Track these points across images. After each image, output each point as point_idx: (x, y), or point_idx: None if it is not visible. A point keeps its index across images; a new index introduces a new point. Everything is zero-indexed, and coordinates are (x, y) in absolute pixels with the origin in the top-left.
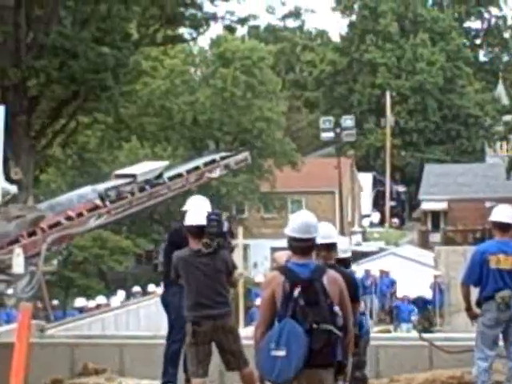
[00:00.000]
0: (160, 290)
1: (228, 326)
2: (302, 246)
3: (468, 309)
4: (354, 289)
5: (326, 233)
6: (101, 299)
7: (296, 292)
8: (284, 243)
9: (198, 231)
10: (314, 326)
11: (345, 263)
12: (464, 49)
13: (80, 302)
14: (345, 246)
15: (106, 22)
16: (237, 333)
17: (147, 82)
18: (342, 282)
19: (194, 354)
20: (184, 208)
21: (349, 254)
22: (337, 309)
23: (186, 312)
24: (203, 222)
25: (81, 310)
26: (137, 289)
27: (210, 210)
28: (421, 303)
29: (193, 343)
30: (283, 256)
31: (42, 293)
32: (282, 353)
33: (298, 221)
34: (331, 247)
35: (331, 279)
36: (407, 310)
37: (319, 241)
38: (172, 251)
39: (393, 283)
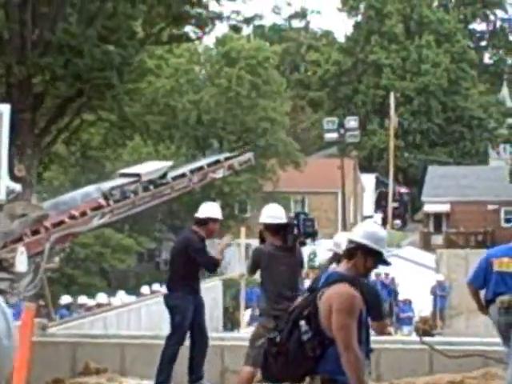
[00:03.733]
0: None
1: None
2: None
3: (480, 308)
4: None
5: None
6: (102, 298)
7: None
8: None
9: (278, 229)
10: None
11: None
12: (469, 51)
13: (66, 299)
14: (339, 240)
15: (111, 20)
16: None
17: (152, 81)
18: (335, 300)
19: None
20: (200, 215)
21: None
22: (302, 323)
23: (265, 305)
24: (283, 220)
25: (68, 307)
26: (145, 289)
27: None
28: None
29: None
30: None
31: (43, 291)
32: None
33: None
34: None
35: (327, 294)
36: (408, 313)
37: None
38: (181, 258)
39: (393, 285)
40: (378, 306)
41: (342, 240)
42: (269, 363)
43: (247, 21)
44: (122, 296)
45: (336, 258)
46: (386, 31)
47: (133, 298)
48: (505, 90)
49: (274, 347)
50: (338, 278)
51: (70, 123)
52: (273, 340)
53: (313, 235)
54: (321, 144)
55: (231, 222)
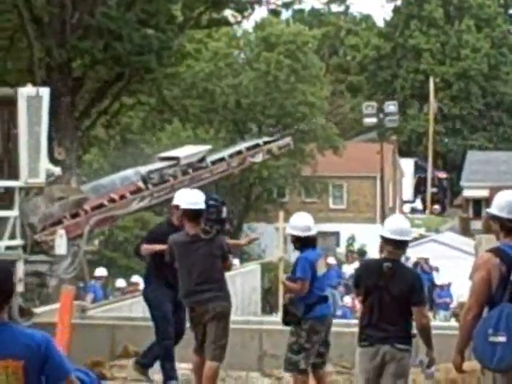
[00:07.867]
0: None
1: (218, 311)
2: None
3: None
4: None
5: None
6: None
7: None
8: (321, 227)
9: (196, 215)
10: None
11: (308, 243)
12: (509, 35)
13: (121, 282)
14: (303, 224)
15: (151, 4)
16: (225, 322)
17: (191, 65)
18: None
19: (194, 336)
20: (174, 202)
21: (311, 233)
22: None
23: (181, 297)
24: (202, 206)
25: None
26: None
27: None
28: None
29: (191, 326)
30: None
31: (83, 273)
32: (502, 338)
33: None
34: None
35: None
36: (445, 298)
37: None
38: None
39: (432, 270)
40: (419, 291)
41: (305, 223)
42: None
43: (286, 5)
44: None
45: None
46: (425, 16)
47: None
48: None
49: None
50: None
51: (109, 107)
52: None
53: (219, 222)
54: (360, 128)
55: (269, 207)
